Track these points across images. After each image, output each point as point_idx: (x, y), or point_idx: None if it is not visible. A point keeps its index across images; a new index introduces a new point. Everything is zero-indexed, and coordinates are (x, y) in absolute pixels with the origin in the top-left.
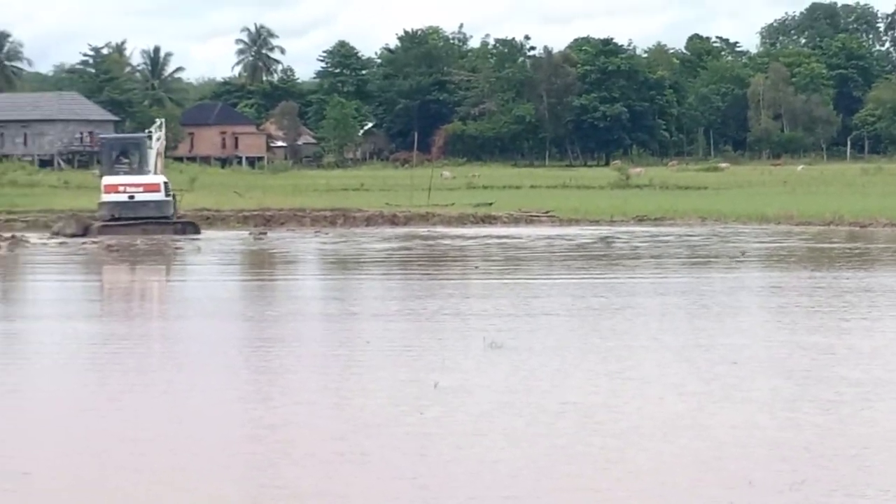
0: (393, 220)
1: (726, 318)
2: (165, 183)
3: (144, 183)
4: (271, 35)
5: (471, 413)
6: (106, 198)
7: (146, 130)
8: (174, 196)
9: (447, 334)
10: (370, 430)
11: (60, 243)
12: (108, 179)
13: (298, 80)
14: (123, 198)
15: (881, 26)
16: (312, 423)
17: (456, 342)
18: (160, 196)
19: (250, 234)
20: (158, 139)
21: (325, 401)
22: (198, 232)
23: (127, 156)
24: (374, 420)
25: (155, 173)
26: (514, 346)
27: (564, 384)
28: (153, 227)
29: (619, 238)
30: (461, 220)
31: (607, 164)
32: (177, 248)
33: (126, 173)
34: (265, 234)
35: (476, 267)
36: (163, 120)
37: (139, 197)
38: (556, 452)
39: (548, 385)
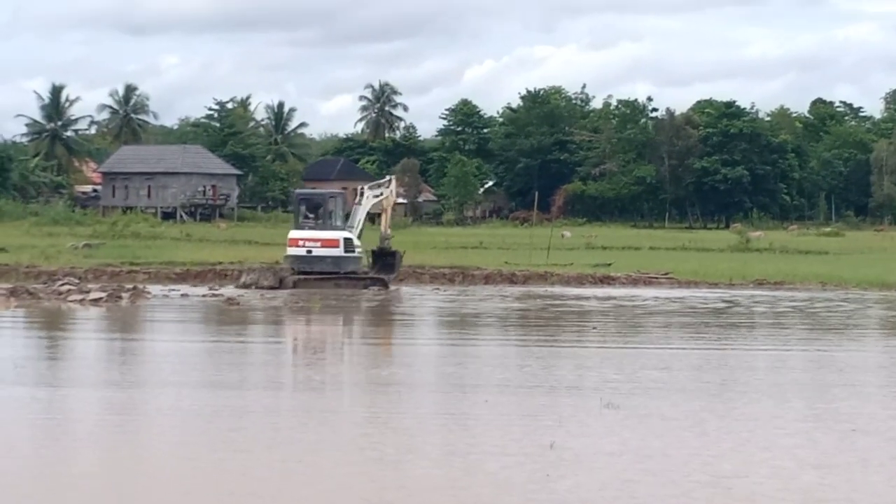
0: (511, 279)
1: (856, 389)
2: (347, 239)
3: (322, 238)
4: (395, 92)
5: (598, 479)
6: (289, 251)
7: (360, 187)
8: (394, 253)
9: (563, 395)
10: (505, 497)
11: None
12: (292, 234)
13: (420, 138)
14: (302, 252)
15: None
16: (448, 485)
17: (572, 403)
18: (338, 252)
19: (368, 288)
20: (378, 195)
21: (454, 462)
22: (386, 287)
23: (313, 211)
24: (505, 482)
25: (358, 228)
26: (631, 409)
27: (699, 451)
28: (344, 281)
29: (741, 302)
30: (579, 281)
31: (727, 226)
32: (297, 303)
33: (311, 228)
34: (385, 289)
35: (594, 328)
36: (392, 177)
37: (316, 252)
38: None
39: (677, 451)
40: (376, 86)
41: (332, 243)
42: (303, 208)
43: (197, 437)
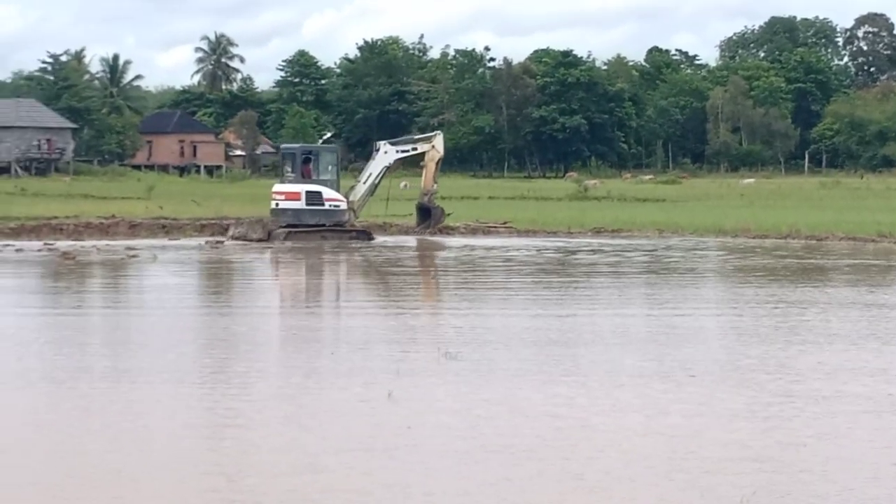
0: None
1: (680, 328)
2: (313, 192)
3: (286, 192)
4: (231, 44)
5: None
6: (271, 205)
7: (377, 143)
8: (429, 209)
9: (405, 345)
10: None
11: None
12: (274, 188)
13: (258, 90)
14: (273, 205)
15: (839, 41)
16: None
17: (413, 353)
18: (299, 205)
19: (206, 242)
20: (407, 151)
21: (303, 421)
22: (370, 239)
23: (289, 165)
24: (368, 437)
25: (368, 183)
26: (475, 361)
27: (569, 405)
28: (330, 233)
29: (580, 250)
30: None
31: (566, 175)
32: (132, 256)
33: (291, 182)
34: (221, 242)
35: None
36: (438, 132)
37: (282, 205)
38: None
39: (546, 407)
40: (212, 37)
41: (294, 196)
42: (287, 163)
43: None
